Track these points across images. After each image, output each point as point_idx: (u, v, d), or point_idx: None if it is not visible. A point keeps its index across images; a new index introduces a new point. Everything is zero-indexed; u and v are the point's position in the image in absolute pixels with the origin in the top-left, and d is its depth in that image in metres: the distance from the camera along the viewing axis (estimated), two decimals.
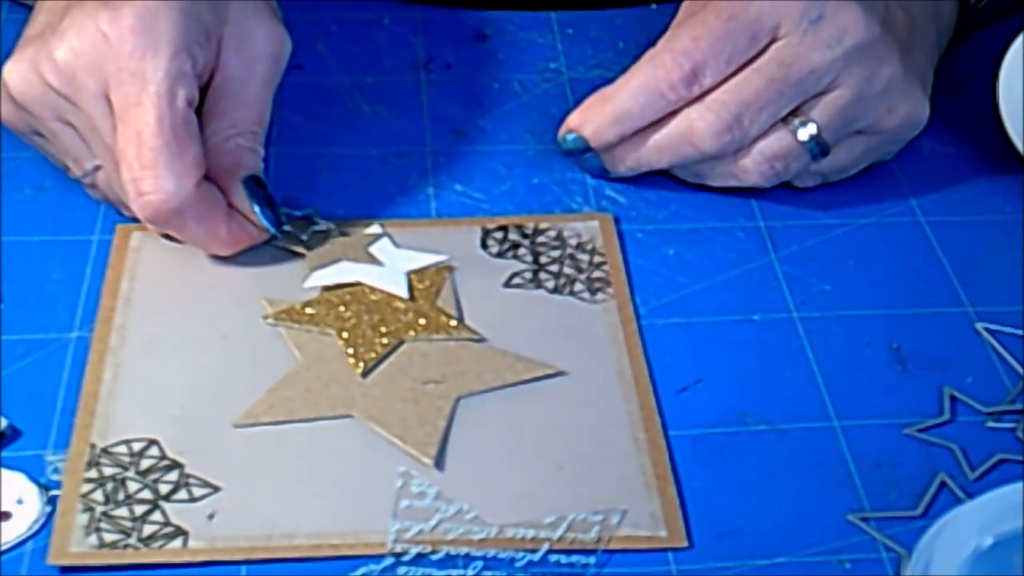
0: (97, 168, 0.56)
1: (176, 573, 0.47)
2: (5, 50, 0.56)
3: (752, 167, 0.59)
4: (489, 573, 0.47)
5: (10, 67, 0.55)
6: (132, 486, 0.49)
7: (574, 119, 0.60)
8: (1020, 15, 0.68)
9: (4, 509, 0.48)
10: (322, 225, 0.59)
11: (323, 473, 0.50)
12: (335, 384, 0.53)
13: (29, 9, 0.58)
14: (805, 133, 0.58)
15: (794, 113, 0.58)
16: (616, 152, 0.61)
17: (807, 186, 0.62)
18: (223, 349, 0.54)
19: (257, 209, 0.56)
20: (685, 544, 0.48)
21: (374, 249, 0.58)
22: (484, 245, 0.59)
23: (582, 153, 0.61)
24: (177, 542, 0.47)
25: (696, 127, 0.58)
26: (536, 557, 0.47)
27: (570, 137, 0.60)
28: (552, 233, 0.60)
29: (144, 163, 0.52)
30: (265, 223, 0.56)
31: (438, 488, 0.49)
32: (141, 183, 0.53)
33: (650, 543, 0.48)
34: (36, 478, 0.49)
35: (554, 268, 0.58)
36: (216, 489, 0.49)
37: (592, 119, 0.59)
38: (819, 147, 0.59)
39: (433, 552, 0.47)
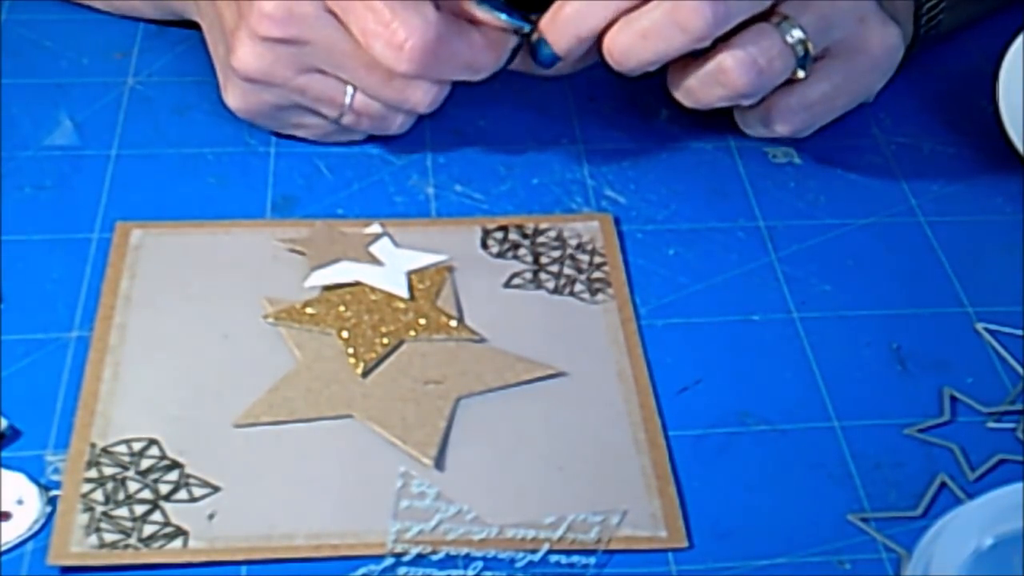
0: (354, 92, 0.59)
1: (176, 573, 0.47)
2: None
3: (734, 65, 0.58)
4: (489, 573, 0.47)
5: (238, 56, 0.58)
6: (132, 486, 0.49)
7: (541, 24, 0.60)
8: (1017, 14, 0.69)
9: (4, 509, 0.48)
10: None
11: (323, 473, 0.50)
12: (335, 384, 0.53)
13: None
14: (793, 36, 0.58)
15: (776, 14, 0.58)
16: (605, 43, 0.59)
17: (795, 127, 0.62)
18: (223, 348, 0.54)
19: (504, 16, 0.58)
20: (685, 544, 0.48)
21: (374, 249, 0.58)
22: (484, 245, 0.59)
23: (551, 64, 0.60)
24: (177, 542, 0.47)
25: (680, 4, 0.56)
26: (536, 557, 0.47)
27: (542, 48, 0.59)
28: (552, 233, 0.60)
29: (385, 20, 0.56)
30: (515, 23, 0.59)
31: (438, 488, 0.49)
32: (394, 36, 0.56)
33: (650, 543, 0.48)
34: (36, 478, 0.49)
35: (554, 268, 0.58)
36: (216, 489, 0.49)
37: (554, 26, 0.59)
38: (805, 51, 0.59)
39: (433, 552, 0.47)
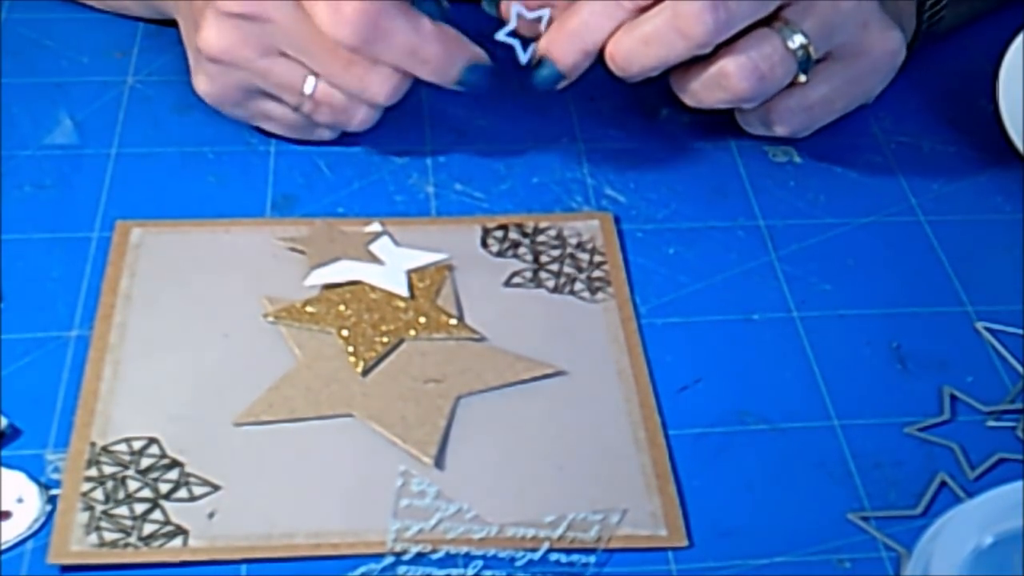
0: (317, 80, 0.59)
1: (176, 572, 0.47)
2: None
3: (735, 70, 0.58)
4: (489, 572, 0.47)
5: (203, 35, 0.58)
6: (132, 485, 0.49)
7: (542, 44, 0.60)
8: (1017, 13, 0.69)
9: (4, 508, 0.48)
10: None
11: (323, 472, 0.50)
12: (335, 383, 0.53)
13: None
14: (794, 42, 0.58)
15: (779, 20, 0.58)
16: (608, 50, 0.59)
17: (794, 128, 0.62)
18: (223, 347, 0.54)
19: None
20: (685, 543, 0.48)
21: (374, 247, 0.58)
22: (484, 244, 0.59)
23: (555, 83, 0.60)
24: (177, 541, 0.47)
25: (681, 10, 0.57)
26: (536, 556, 0.47)
27: (544, 70, 0.59)
28: (552, 232, 0.60)
29: None
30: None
31: (438, 487, 0.49)
32: (341, 7, 0.56)
33: (650, 542, 0.48)
34: (36, 477, 0.49)
35: (554, 267, 0.58)
36: (216, 488, 0.49)
37: (559, 42, 0.59)
38: (806, 56, 0.59)
39: (433, 551, 0.47)
